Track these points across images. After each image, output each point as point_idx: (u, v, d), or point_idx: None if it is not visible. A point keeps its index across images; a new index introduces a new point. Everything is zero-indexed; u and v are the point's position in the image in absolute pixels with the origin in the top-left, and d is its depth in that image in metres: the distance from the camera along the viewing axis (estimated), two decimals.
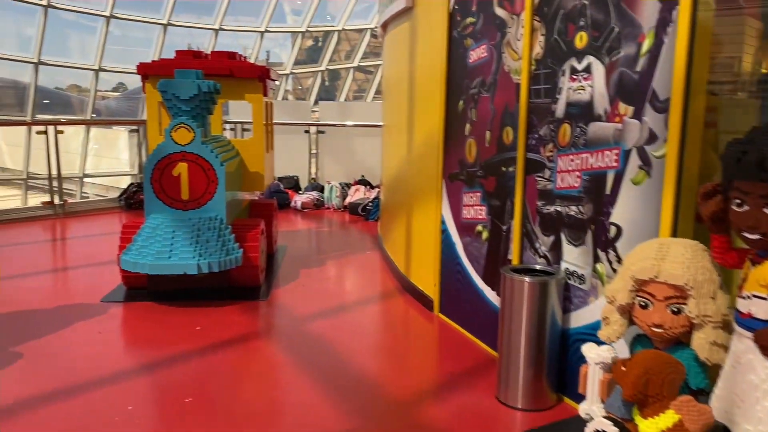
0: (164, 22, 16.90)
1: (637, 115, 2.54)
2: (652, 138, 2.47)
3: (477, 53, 3.77)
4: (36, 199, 8.48)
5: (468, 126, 3.89)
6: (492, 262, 3.69)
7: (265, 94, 5.38)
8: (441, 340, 4.00)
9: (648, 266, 2.11)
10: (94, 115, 18.28)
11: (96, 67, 15.33)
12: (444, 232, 4.21)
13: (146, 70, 5.20)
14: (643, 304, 2.16)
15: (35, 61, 14.01)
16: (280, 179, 9.25)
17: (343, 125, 9.49)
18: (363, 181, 9.06)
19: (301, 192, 8.98)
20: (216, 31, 19.06)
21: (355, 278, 5.45)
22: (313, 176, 9.67)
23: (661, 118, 2.42)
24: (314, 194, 8.72)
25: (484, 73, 3.69)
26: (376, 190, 8.70)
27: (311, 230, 7.44)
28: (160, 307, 4.48)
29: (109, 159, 20.78)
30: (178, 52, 5.35)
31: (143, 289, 4.71)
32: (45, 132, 7.83)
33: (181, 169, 4.57)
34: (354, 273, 5.60)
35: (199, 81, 4.57)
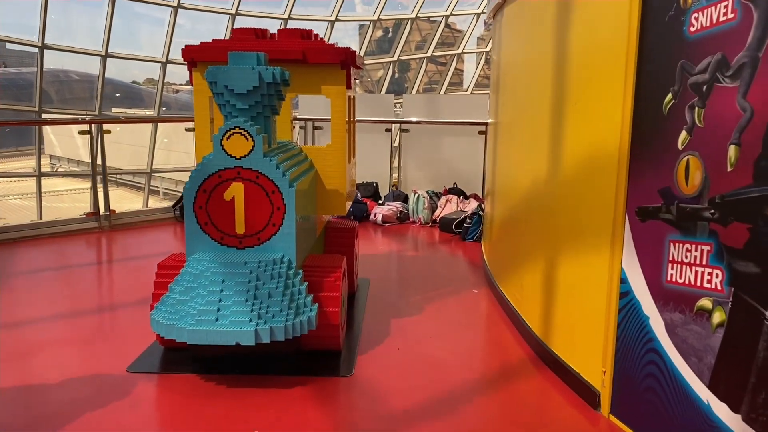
0: (232, 11, 16.07)
1: None
2: None
3: (708, 16, 2.28)
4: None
5: (684, 135, 2.40)
6: (733, 367, 2.21)
7: (349, 86, 4.02)
8: None
9: None
10: (164, 108, 17.63)
11: (163, 60, 14.58)
12: (626, 295, 2.74)
13: (194, 55, 3.93)
14: None
15: (103, 53, 13.35)
16: (357, 186, 7.92)
17: (432, 122, 8.08)
18: (455, 190, 7.62)
19: (381, 202, 7.62)
20: (285, 20, 18.14)
21: (466, 336, 4.03)
22: (396, 183, 8.29)
23: None
24: (397, 205, 7.34)
25: (728, 48, 2.19)
26: (473, 201, 7.24)
27: (396, 254, 6.05)
28: (204, 384, 3.20)
29: (178, 153, 20.27)
30: (235, 30, 4.05)
31: (185, 350, 3.45)
32: (89, 132, 6.75)
33: (236, 191, 3.27)
34: (462, 326, 4.18)
35: (262, 68, 3.26)
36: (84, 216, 6.69)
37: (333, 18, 19.66)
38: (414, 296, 4.68)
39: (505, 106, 4.76)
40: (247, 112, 3.33)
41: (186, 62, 3.96)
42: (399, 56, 23.10)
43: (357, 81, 4.49)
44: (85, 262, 5.72)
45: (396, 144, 8.50)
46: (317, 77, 3.98)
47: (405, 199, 7.52)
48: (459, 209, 7.10)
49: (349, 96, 4.27)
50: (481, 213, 6.41)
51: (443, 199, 7.32)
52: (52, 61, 14.25)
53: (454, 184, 7.78)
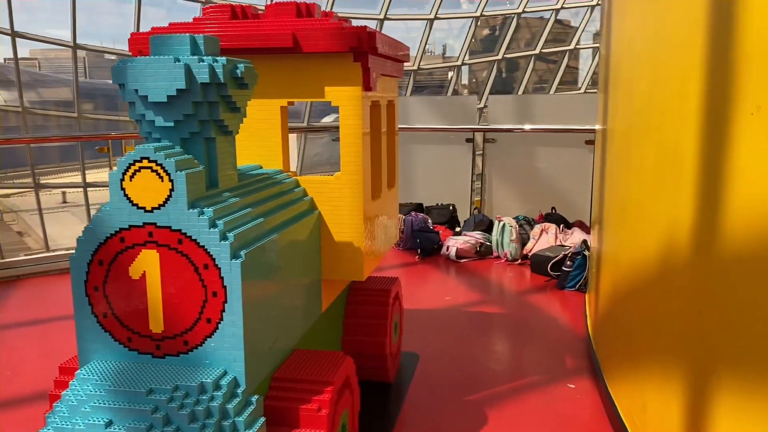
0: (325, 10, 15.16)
1: None
2: None
3: None
4: None
5: None
6: None
7: (368, 86, 2.61)
8: None
9: None
10: None
11: None
12: None
13: (142, 47, 2.68)
14: None
15: None
16: (429, 210, 6.48)
17: (524, 130, 6.49)
18: (554, 217, 6.00)
19: (457, 231, 6.13)
20: (381, 21, 17.08)
21: None
22: (478, 206, 6.76)
23: None
24: (476, 235, 5.82)
25: None
26: (577, 233, 5.60)
27: (466, 311, 4.53)
28: None
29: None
30: (206, 9, 2.76)
31: None
32: None
33: (147, 263, 1.97)
34: None
35: (192, 60, 1.95)
36: None
37: (432, 16, 18.35)
38: (478, 390, 3.20)
39: (620, 108, 3.17)
40: (173, 132, 2.03)
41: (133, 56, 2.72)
42: (504, 54, 21.43)
43: (389, 77, 3.07)
44: None
45: (480, 159, 6.96)
46: (317, 74, 2.61)
47: (488, 228, 5.98)
48: (558, 243, 5.49)
49: (375, 101, 2.87)
50: (585, 252, 4.78)
51: (537, 228, 5.72)
52: None
53: (553, 209, 6.15)
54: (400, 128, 6.85)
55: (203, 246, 1.93)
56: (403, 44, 3.16)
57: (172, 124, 2.00)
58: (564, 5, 20.57)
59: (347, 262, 2.71)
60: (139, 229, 1.95)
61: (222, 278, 1.93)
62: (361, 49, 2.53)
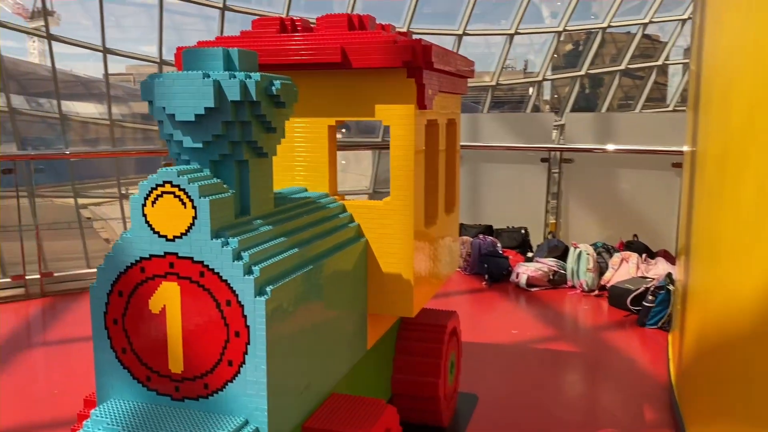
0: (403, 30, 15.16)
1: None
2: None
3: None
4: None
5: None
6: None
7: (423, 104, 2.38)
8: None
9: None
10: (344, 131, 17.13)
11: None
12: None
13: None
14: None
15: None
16: (499, 233, 6.14)
17: (605, 150, 6.06)
18: (636, 246, 5.54)
19: (529, 256, 5.76)
20: (459, 36, 16.89)
21: None
22: (552, 230, 6.36)
23: None
24: (550, 262, 5.44)
25: None
26: (661, 263, 5.13)
27: (533, 348, 4.18)
28: None
29: (355, 175, 20.03)
30: (255, 22, 2.62)
31: None
32: None
33: (168, 297, 1.80)
34: None
35: (223, 77, 1.78)
36: None
37: (512, 31, 17.97)
38: None
39: (712, 128, 2.80)
40: (202, 153, 1.86)
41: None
42: (588, 70, 20.73)
43: (448, 94, 2.81)
44: None
45: (555, 180, 6.57)
46: (368, 91, 2.40)
47: (562, 255, 5.58)
48: (639, 275, 5.04)
49: (432, 120, 2.63)
50: (670, 287, 4.33)
51: (617, 257, 5.28)
52: None
53: (635, 236, 5.69)
54: (470, 146, 6.60)
55: (226, 280, 1.74)
56: (466, 58, 2.91)
57: (200, 145, 1.83)
58: (652, 19, 19.72)
59: (395, 296, 2.47)
60: (160, 259, 1.79)
61: (245, 317, 1.74)
62: (415, 64, 2.30)
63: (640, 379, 3.62)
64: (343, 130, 17.12)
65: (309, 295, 2.00)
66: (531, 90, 21.62)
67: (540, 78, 21.03)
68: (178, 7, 15.67)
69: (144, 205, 1.78)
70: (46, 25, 14.82)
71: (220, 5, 14.17)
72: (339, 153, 2.63)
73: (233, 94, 1.78)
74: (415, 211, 2.43)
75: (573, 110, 20.64)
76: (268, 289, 1.75)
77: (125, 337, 1.85)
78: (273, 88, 1.87)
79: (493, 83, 19.20)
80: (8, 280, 5.05)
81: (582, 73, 20.64)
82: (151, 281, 1.81)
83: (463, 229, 6.30)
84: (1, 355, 3.93)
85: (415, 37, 2.52)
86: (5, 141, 17.85)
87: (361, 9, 17.50)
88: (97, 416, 1.81)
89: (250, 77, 1.82)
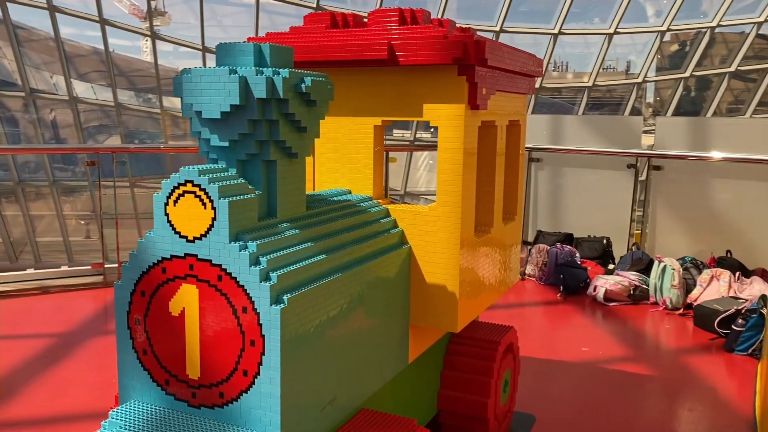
0: (496, 29, 14.88)
1: None
2: None
3: None
4: None
5: None
6: None
7: (475, 104, 2.21)
8: None
9: None
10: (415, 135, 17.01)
11: None
12: None
13: None
14: None
15: None
16: (579, 243, 5.81)
17: (699, 158, 5.60)
18: (730, 263, 5.08)
19: (610, 269, 5.41)
20: (554, 35, 16.44)
21: None
22: (637, 242, 5.94)
23: None
24: (631, 276, 5.07)
25: None
26: (757, 282, 4.67)
27: (606, 365, 3.88)
28: None
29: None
30: (307, 17, 2.53)
31: None
32: None
33: (187, 300, 1.74)
34: None
35: (249, 73, 1.70)
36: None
37: (611, 30, 17.23)
38: None
39: None
40: (230, 152, 1.79)
41: None
42: (693, 71, 19.58)
43: (509, 93, 2.61)
44: None
45: (643, 188, 6.14)
46: (416, 89, 2.26)
47: (647, 268, 5.19)
48: (731, 294, 4.60)
49: (489, 122, 2.45)
50: (763, 311, 3.92)
51: (707, 274, 4.85)
52: None
53: (728, 252, 5.21)
54: (552, 149, 6.29)
55: (242, 285, 1.66)
56: (532, 55, 2.70)
57: (227, 143, 1.76)
58: None
59: (439, 308, 2.31)
60: (181, 260, 1.73)
61: (260, 325, 1.65)
62: (467, 61, 2.14)
63: (721, 410, 3.27)
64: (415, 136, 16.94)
65: (337, 304, 1.89)
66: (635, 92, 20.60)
67: (640, 79, 20.03)
68: (275, 8, 16.07)
69: (166, 204, 1.73)
70: (150, 25, 15.62)
71: (314, 5, 14.42)
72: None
73: (259, 90, 1.70)
74: (462, 219, 2.26)
75: (676, 114, 19.51)
76: (285, 297, 1.65)
77: (146, 338, 1.81)
78: (303, 85, 1.77)
79: (590, 84, 18.46)
80: (88, 267, 5.27)
81: (687, 74, 19.51)
82: (171, 282, 1.76)
83: (541, 236, 6.02)
84: (73, 340, 4.08)
85: (504, 36, 2.35)
86: (112, 134, 18.98)
87: (454, 8, 17.27)
88: (114, 417, 1.77)
89: (278, 73, 1.72)
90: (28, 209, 17.17)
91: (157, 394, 1.82)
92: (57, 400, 3.26)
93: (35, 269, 5.33)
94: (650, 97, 23.95)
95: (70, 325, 4.35)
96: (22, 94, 15.50)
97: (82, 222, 18.06)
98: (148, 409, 1.81)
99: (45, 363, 3.71)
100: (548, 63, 17.35)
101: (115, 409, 1.81)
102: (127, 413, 1.78)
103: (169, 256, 1.75)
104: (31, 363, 3.71)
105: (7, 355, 3.76)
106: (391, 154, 6.57)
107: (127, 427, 1.72)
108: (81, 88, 17.50)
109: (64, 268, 5.28)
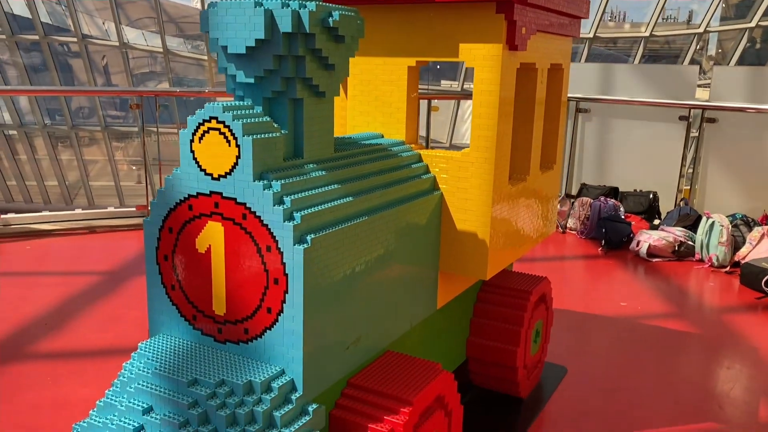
0: None
1: None
2: None
3: None
4: None
5: None
6: None
7: (513, 44, 2.12)
8: None
9: None
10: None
11: None
12: None
13: None
14: None
15: None
16: (624, 197, 5.65)
17: (756, 110, 5.32)
18: None
19: (655, 224, 5.25)
20: None
21: None
22: (686, 197, 5.74)
23: None
24: (677, 232, 4.92)
25: None
26: None
27: (645, 321, 3.81)
28: None
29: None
30: None
31: None
32: None
33: (213, 237, 1.75)
34: None
35: (275, 4, 1.65)
36: None
37: None
38: (627, 429, 2.60)
39: None
40: (256, 89, 1.76)
41: None
42: (759, 22, 18.49)
43: (551, 36, 2.49)
44: None
45: (694, 142, 5.89)
46: (451, 28, 2.18)
47: (695, 224, 5.03)
48: None
49: (528, 64, 2.36)
50: None
51: (758, 231, 4.67)
52: None
53: None
54: (600, 99, 6.06)
55: (266, 225, 1.66)
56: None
57: (252, 80, 1.73)
58: None
59: (469, 255, 2.28)
60: (207, 197, 1.73)
61: (284, 264, 1.65)
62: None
63: (760, 369, 3.18)
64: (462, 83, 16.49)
65: (363, 246, 1.87)
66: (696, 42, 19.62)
67: (701, 30, 19.04)
68: None
69: (192, 141, 1.73)
70: None
71: None
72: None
73: (285, 24, 1.65)
74: (496, 166, 2.20)
75: (738, 65, 18.57)
76: (309, 237, 1.64)
77: (174, 274, 1.84)
78: (330, 19, 1.72)
79: (647, 34, 17.65)
80: (133, 209, 5.41)
81: (752, 24, 18.44)
82: (198, 220, 1.77)
83: (585, 189, 5.87)
84: (118, 278, 4.22)
85: None
86: (162, 80, 19.20)
87: None
88: (143, 349, 1.82)
89: (304, 6, 1.67)
90: (82, 154, 17.67)
91: (185, 329, 1.86)
92: (101, 334, 3.40)
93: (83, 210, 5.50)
94: (712, 49, 22.80)
95: (115, 264, 4.50)
96: (75, 39, 15.76)
97: (134, 168, 18.49)
98: (176, 342, 1.85)
99: (91, 298, 3.86)
100: (603, 12, 16.62)
101: (144, 342, 1.86)
102: (156, 346, 1.83)
103: (195, 194, 1.75)
104: (79, 298, 3.86)
105: (57, 290, 3.92)
106: (434, 103, 6.45)
107: (154, 359, 1.76)
108: (132, 35, 17.67)
109: (111, 209, 5.42)
